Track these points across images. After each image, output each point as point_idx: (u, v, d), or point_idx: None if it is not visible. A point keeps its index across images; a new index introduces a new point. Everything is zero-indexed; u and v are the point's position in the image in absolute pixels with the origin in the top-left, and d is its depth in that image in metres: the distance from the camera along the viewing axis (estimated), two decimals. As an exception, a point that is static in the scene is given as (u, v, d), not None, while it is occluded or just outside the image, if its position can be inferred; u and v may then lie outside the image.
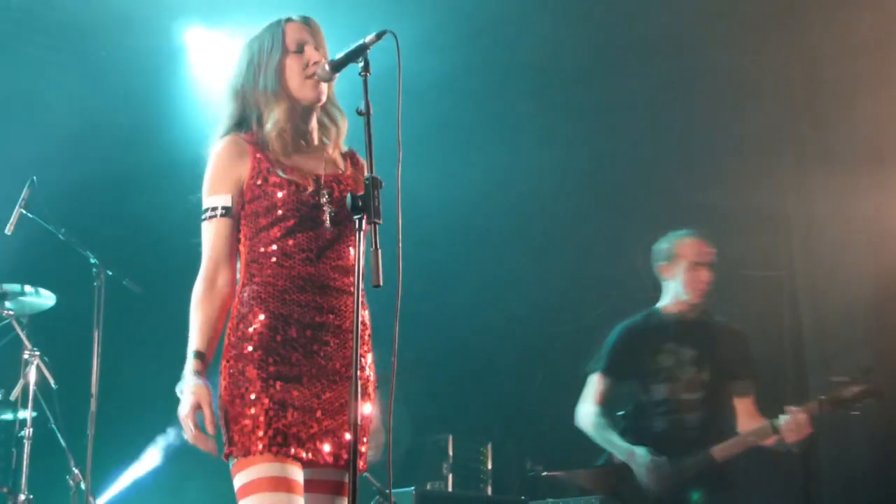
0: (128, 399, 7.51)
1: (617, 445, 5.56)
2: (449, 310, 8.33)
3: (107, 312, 6.71)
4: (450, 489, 7.70)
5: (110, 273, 6.83)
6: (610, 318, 7.73)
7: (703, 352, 5.61)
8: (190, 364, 3.36)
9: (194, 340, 3.39)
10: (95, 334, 6.64)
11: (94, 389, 6.56)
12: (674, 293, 5.70)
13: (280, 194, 3.42)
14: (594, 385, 5.77)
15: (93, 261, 6.77)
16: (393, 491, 6.94)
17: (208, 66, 8.15)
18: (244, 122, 3.56)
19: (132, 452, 7.74)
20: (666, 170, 8.00)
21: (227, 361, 3.40)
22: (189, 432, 3.31)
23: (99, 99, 7.83)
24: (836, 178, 7.44)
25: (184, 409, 3.31)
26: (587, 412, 5.74)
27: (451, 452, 7.80)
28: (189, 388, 3.32)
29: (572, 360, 8.73)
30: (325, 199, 3.46)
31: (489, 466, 8.02)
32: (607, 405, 5.73)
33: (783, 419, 5.33)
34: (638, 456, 5.44)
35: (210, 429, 3.30)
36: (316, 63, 3.49)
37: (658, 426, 5.58)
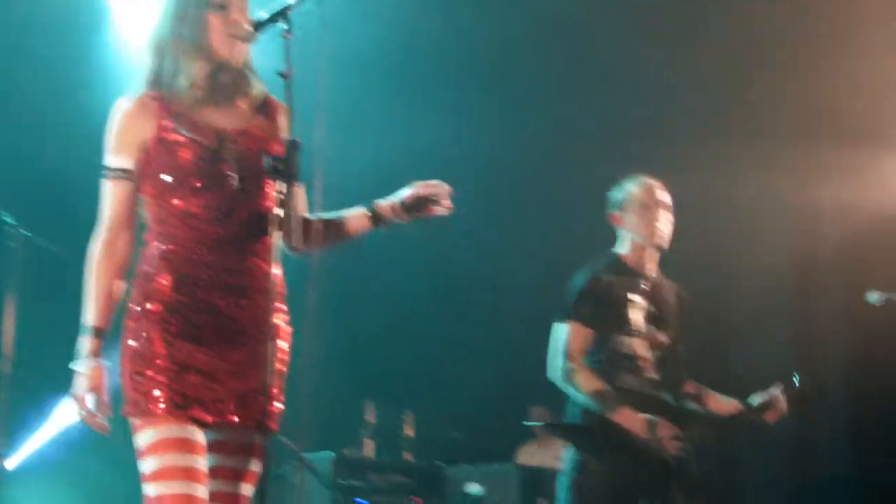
0: (47, 362, 7.41)
1: (628, 414, 5.05)
2: (369, 276, 8.35)
3: (24, 274, 6.62)
4: (369, 455, 7.71)
5: (28, 234, 6.73)
6: (535, 288, 7.78)
7: (659, 311, 5.34)
8: (85, 343, 3.34)
9: (90, 313, 3.35)
10: (9, 296, 6.56)
11: (6, 351, 6.48)
12: (630, 240, 5.36)
13: (183, 153, 3.37)
14: (569, 335, 5.21)
15: (8, 220, 6.67)
16: (310, 456, 6.96)
17: (132, 26, 8.05)
18: (158, 77, 3.48)
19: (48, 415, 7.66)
20: (592, 149, 8.05)
21: (130, 320, 3.36)
22: (82, 414, 3.30)
23: (18, 59, 7.72)
24: (760, 155, 7.54)
25: (78, 392, 3.31)
26: (568, 367, 5.16)
27: (370, 419, 7.80)
28: (84, 371, 3.31)
29: (495, 328, 8.83)
30: (229, 156, 3.41)
31: (410, 433, 8.04)
32: (587, 358, 5.19)
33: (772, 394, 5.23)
34: (648, 422, 5.03)
35: (105, 411, 3.31)
36: (238, 22, 3.45)
37: (625, 382, 5.18)
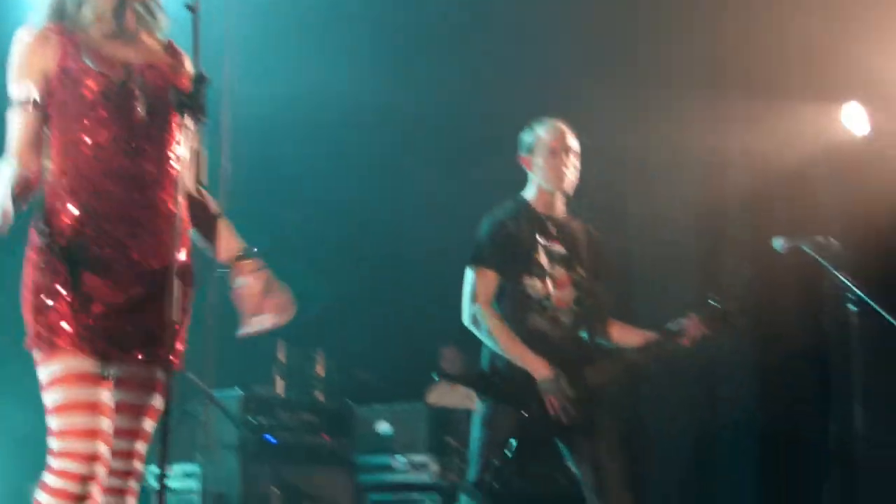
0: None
1: (527, 356, 5.15)
2: (279, 217, 8.30)
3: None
4: (279, 393, 7.72)
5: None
6: (442, 229, 7.80)
7: (570, 251, 5.36)
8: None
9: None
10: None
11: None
12: (537, 185, 5.40)
13: (89, 83, 3.33)
14: (476, 280, 5.29)
15: None
16: (219, 393, 6.95)
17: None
18: (61, 8, 3.42)
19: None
20: (497, 96, 8.06)
21: (35, 253, 3.32)
22: None
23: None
24: (665, 105, 7.59)
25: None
26: (474, 312, 5.26)
27: (281, 357, 7.80)
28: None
29: (404, 269, 8.85)
30: (137, 88, 3.38)
31: (320, 372, 8.05)
32: (495, 302, 5.28)
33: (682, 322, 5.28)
34: (549, 373, 5.11)
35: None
36: None
37: (535, 324, 5.24)
